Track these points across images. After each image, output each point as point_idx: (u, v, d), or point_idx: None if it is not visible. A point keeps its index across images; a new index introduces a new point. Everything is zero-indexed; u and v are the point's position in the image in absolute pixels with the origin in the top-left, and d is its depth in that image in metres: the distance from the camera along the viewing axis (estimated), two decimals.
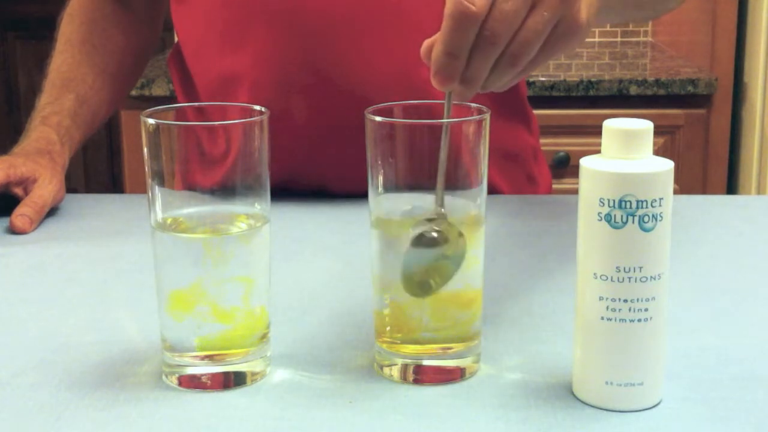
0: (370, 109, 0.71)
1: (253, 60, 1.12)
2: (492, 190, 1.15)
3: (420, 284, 0.71)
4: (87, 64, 1.24)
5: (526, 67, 0.72)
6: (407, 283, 0.70)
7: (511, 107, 1.22)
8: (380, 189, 0.71)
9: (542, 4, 0.70)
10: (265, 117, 0.71)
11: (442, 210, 0.70)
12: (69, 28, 1.26)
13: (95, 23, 1.27)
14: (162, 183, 0.70)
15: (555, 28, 0.71)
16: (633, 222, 0.65)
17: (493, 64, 0.71)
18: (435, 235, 0.70)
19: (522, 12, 0.69)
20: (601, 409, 0.68)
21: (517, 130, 1.24)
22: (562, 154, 2.25)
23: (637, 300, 0.66)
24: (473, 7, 0.68)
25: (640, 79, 2.23)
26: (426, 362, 0.73)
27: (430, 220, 0.70)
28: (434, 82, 0.71)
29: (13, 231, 1.06)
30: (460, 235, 0.70)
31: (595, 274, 0.67)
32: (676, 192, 0.89)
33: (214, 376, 0.72)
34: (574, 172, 1.14)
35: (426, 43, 0.71)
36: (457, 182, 0.70)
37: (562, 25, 0.72)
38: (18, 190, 1.10)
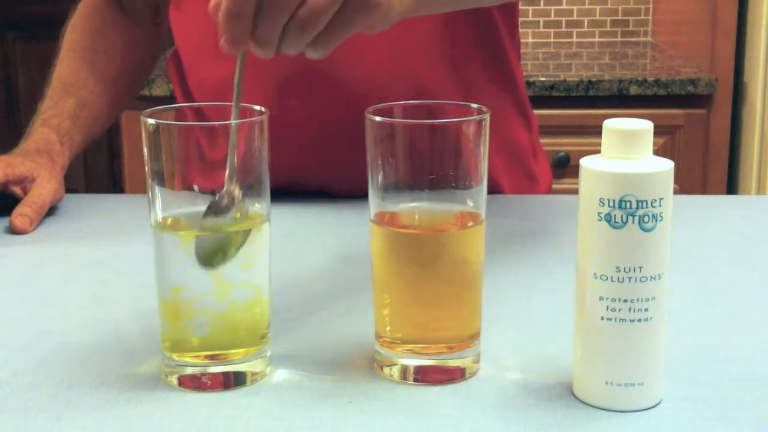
0: (370, 109, 0.72)
1: (250, 64, 1.12)
2: (491, 184, 1.15)
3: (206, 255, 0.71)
4: (88, 69, 1.24)
5: (322, 39, 0.71)
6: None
7: (510, 104, 1.22)
8: (380, 189, 0.71)
9: None
10: (264, 117, 0.71)
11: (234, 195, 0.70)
12: (71, 37, 1.27)
13: (97, 31, 1.27)
14: (162, 183, 0.70)
15: (348, 1, 0.70)
16: (633, 222, 0.65)
17: (283, 30, 0.70)
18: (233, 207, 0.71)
19: None
20: (601, 409, 0.68)
21: (516, 127, 1.24)
22: (562, 154, 2.25)
23: (637, 300, 0.66)
24: None
25: (640, 79, 2.23)
26: (426, 362, 0.73)
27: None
28: (221, 44, 0.70)
29: (13, 231, 1.06)
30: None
31: (595, 274, 0.67)
32: (676, 192, 0.89)
33: (214, 376, 0.72)
34: (574, 172, 1.14)
35: (213, 1, 0.70)
36: (457, 182, 0.70)
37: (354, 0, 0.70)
38: (16, 189, 1.10)
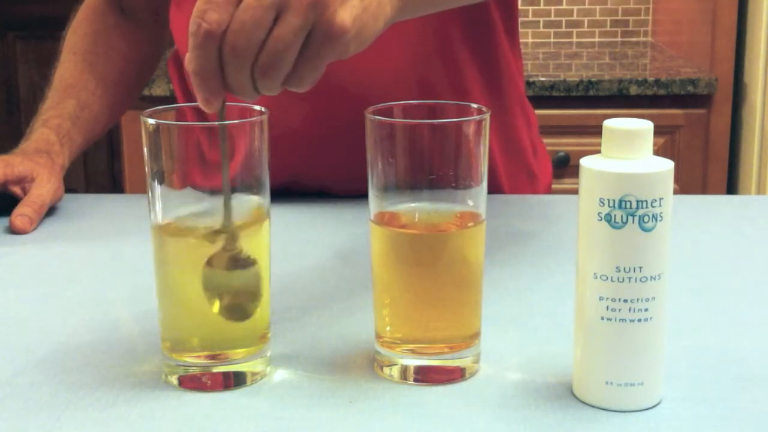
0: (370, 109, 0.72)
1: None
2: (491, 183, 1.15)
3: (236, 308, 0.71)
4: (89, 71, 1.24)
5: (295, 77, 0.70)
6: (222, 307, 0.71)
7: (509, 102, 1.22)
8: (380, 189, 0.71)
9: (289, 12, 0.67)
10: (264, 117, 0.71)
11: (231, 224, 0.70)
12: (72, 39, 1.27)
13: (98, 34, 1.27)
14: (162, 183, 0.70)
15: (311, 34, 0.68)
16: (633, 222, 0.65)
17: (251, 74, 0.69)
18: (250, 256, 0.70)
19: (264, 21, 0.67)
20: (601, 409, 0.68)
21: (516, 125, 1.24)
22: (562, 154, 2.25)
23: (637, 300, 0.66)
24: (205, 24, 0.66)
25: (640, 79, 2.23)
26: (426, 362, 0.73)
27: (217, 233, 0.70)
28: (200, 105, 0.69)
29: (13, 231, 1.06)
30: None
31: (595, 274, 0.67)
32: (676, 192, 0.89)
33: (214, 376, 0.72)
34: (574, 172, 1.14)
35: (187, 56, 0.70)
36: (457, 182, 0.71)
37: (317, 31, 0.68)
38: (16, 189, 1.11)
